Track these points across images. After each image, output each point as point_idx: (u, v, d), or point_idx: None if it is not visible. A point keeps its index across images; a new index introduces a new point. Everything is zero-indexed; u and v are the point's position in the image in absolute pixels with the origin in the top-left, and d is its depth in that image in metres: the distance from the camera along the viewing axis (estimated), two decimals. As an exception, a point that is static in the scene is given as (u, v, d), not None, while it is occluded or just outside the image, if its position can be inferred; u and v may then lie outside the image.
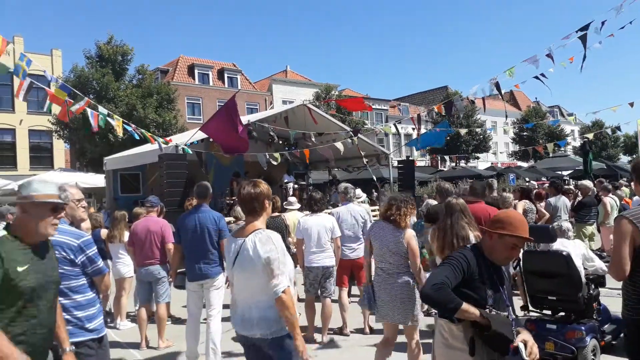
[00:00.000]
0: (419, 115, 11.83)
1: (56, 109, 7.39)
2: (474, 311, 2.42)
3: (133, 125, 9.09)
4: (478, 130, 37.70)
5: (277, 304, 2.78)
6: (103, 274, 3.04)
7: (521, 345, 2.37)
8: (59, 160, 31.47)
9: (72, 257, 2.90)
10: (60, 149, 31.46)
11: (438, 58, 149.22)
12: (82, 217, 3.15)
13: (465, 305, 2.39)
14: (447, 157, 13.92)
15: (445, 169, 30.18)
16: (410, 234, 4.28)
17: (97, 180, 16.87)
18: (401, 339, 4.54)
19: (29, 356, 2.23)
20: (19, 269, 2.27)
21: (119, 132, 8.88)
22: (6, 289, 2.23)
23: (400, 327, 4.33)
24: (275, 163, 12.80)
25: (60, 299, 2.86)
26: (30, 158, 30.33)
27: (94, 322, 2.97)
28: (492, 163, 43.59)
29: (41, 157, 30.87)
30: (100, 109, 8.43)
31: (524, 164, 39.36)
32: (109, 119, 8.54)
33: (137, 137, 9.49)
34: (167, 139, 11.57)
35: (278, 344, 2.85)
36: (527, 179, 23.51)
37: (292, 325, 2.79)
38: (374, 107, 45.76)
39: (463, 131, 13.16)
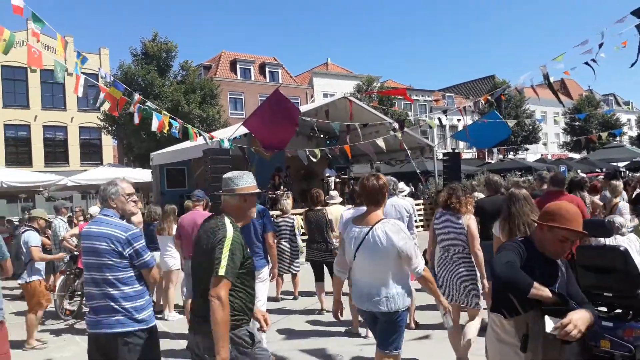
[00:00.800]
0: (465, 107, 11.46)
1: (106, 104, 7.54)
2: (546, 291, 2.32)
3: (180, 121, 9.25)
4: (527, 121, 36.46)
5: (420, 280, 3.31)
6: (149, 267, 3.09)
7: (548, 321, 2.27)
8: (107, 156, 32.66)
9: (120, 249, 2.97)
10: (109, 145, 32.63)
11: (484, 46, 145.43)
12: (132, 211, 3.20)
13: (536, 284, 2.30)
14: (494, 149, 13.42)
15: (492, 161, 29.37)
16: (469, 217, 4.50)
17: (144, 175, 17.34)
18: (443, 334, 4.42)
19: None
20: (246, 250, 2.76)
21: (165, 129, 9.05)
22: (246, 268, 2.73)
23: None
24: (314, 160, 12.77)
25: (109, 289, 2.95)
26: (80, 154, 31.60)
27: (142, 313, 3.01)
28: (542, 155, 42.12)
29: (91, 153, 32.11)
30: (149, 104, 8.62)
31: (576, 156, 37.82)
32: (156, 114, 8.72)
33: (177, 136, 9.65)
34: (211, 134, 11.73)
35: (395, 318, 3.30)
36: (579, 171, 22.57)
37: (436, 293, 3.36)
38: (417, 97, 45.09)
39: (511, 123, 12.60)
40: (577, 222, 2.44)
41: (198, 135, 10.13)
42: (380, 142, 13.30)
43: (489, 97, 11.91)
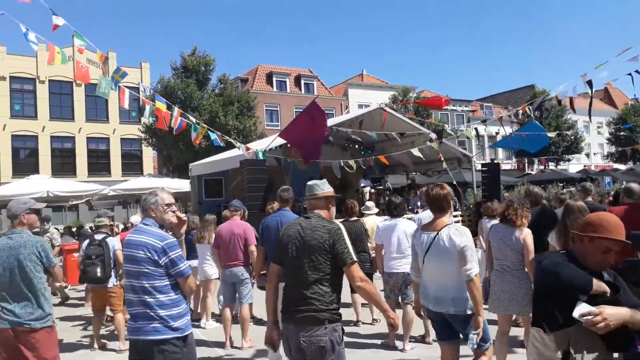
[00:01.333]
0: (505, 116, 11.23)
1: (149, 118, 7.84)
2: (604, 285, 2.29)
3: (218, 133, 9.50)
4: (568, 132, 35.33)
5: (467, 284, 3.43)
6: (185, 275, 3.11)
7: (582, 306, 2.16)
8: (147, 166, 33.58)
9: (156, 257, 3.03)
10: (149, 156, 33.55)
11: (523, 56, 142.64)
12: (171, 221, 3.25)
13: (594, 279, 2.28)
14: (535, 160, 13.02)
15: (533, 172, 28.57)
16: (526, 232, 4.59)
17: (182, 185, 17.71)
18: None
19: None
20: None
21: (197, 141, 9.31)
22: None
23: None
24: (350, 171, 12.75)
25: (145, 297, 3.01)
26: (122, 165, 32.62)
27: (178, 321, 3.05)
28: (584, 166, 40.70)
29: (132, 163, 33.09)
30: (190, 117, 8.91)
31: (622, 167, 36.38)
32: (194, 126, 8.97)
33: (221, 144, 9.86)
34: (247, 146, 11.90)
35: (466, 320, 3.50)
36: (625, 183, 21.70)
37: (478, 303, 3.43)
38: (454, 107, 44.48)
39: (551, 134, 12.26)
40: (618, 232, 2.35)
41: (238, 145, 10.36)
42: (415, 151, 13.18)
43: (528, 108, 11.64)
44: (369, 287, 3.07)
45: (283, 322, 3.14)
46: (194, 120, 9.17)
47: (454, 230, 3.53)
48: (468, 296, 3.47)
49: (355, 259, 3.03)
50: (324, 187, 3.37)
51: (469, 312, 3.50)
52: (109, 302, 6.16)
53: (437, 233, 3.57)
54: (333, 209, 3.41)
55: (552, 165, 34.46)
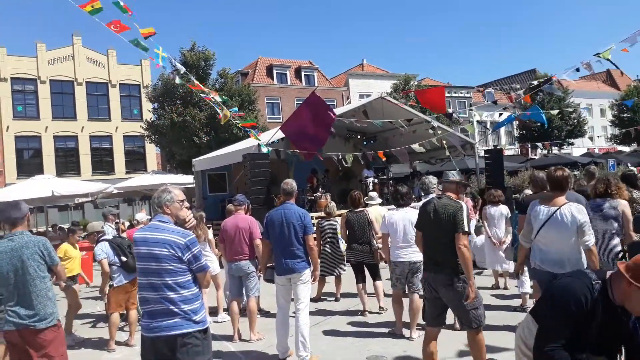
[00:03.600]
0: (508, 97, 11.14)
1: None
2: None
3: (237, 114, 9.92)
4: (572, 114, 35.08)
5: (587, 253, 4.09)
6: (205, 270, 3.22)
7: None
8: (151, 163, 33.65)
9: (180, 254, 3.07)
10: (152, 153, 33.60)
11: (524, 40, 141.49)
12: (185, 217, 3.28)
13: None
14: (538, 144, 12.92)
15: (536, 157, 28.47)
16: (625, 203, 4.94)
17: (186, 180, 17.78)
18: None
19: None
20: None
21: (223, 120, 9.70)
22: None
23: None
24: (347, 165, 12.71)
25: (169, 293, 3.04)
26: (125, 162, 32.69)
27: (199, 315, 3.12)
28: (588, 149, 40.53)
29: (135, 161, 33.17)
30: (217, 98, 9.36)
31: (626, 149, 36.22)
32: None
33: (254, 133, 10.25)
34: (251, 135, 11.90)
35: None
36: (629, 165, 21.62)
37: (595, 265, 4.05)
38: (456, 94, 44.25)
39: (554, 112, 12.16)
40: None
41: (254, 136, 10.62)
42: (416, 147, 13.12)
43: (530, 94, 11.57)
44: (467, 254, 3.95)
45: (425, 270, 4.32)
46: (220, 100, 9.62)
47: (575, 207, 4.15)
48: (580, 259, 4.13)
49: (467, 230, 4.00)
50: (455, 176, 4.37)
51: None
52: (133, 295, 6.19)
53: (558, 208, 4.18)
54: (462, 194, 4.44)
55: (555, 150, 34.33)
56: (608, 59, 8.64)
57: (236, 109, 10.37)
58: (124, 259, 6.11)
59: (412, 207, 6.00)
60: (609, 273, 2.39)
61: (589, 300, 2.29)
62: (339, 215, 8.06)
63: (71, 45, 31.33)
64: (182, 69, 9.12)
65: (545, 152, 28.39)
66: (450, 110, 12.48)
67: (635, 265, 2.24)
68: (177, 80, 9.73)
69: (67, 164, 31.12)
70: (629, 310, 2.29)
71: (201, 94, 9.32)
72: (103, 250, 6.18)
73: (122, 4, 6.67)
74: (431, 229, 4.18)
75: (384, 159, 13.69)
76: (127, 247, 6.14)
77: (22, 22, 72.16)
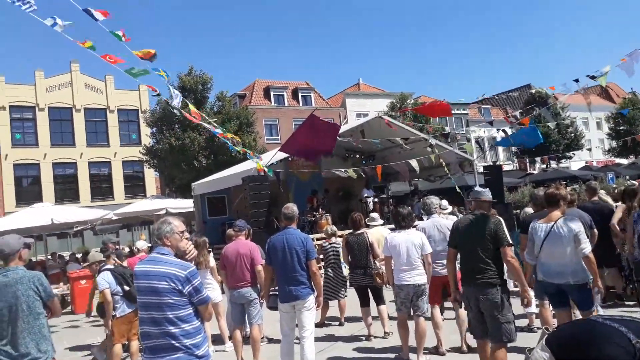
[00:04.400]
0: (507, 114, 11.22)
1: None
2: None
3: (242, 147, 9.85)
4: (569, 128, 35.18)
5: (584, 260, 4.41)
6: (207, 302, 3.14)
7: None
8: (150, 188, 33.59)
9: (180, 287, 3.01)
10: (151, 178, 33.57)
11: (518, 56, 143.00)
12: (185, 248, 3.24)
13: None
14: (537, 159, 12.87)
15: (535, 172, 28.45)
16: None
17: (185, 204, 17.70)
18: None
19: None
20: None
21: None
22: None
23: None
24: (353, 176, 12.75)
25: (170, 327, 2.97)
26: (125, 187, 32.62)
27: (202, 349, 3.06)
28: (586, 162, 40.59)
29: (134, 186, 33.12)
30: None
31: (624, 161, 36.27)
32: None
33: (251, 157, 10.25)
34: (253, 155, 11.90)
35: (581, 288, 4.51)
36: (628, 177, 21.61)
37: (595, 274, 4.44)
38: (453, 111, 44.49)
39: (551, 124, 12.16)
40: None
41: (252, 158, 10.64)
42: (413, 162, 13.13)
43: (528, 111, 11.63)
44: (516, 264, 4.23)
45: (463, 285, 4.53)
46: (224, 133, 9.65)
47: (569, 219, 4.52)
48: (583, 269, 4.46)
49: (510, 243, 4.27)
50: (487, 195, 4.63)
51: (584, 281, 4.49)
52: (135, 326, 6.09)
53: (554, 223, 4.55)
54: (492, 210, 4.85)
55: (553, 164, 34.39)
56: (602, 86, 8.71)
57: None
58: (126, 288, 6.03)
59: (415, 227, 5.95)
60: None
61: None
62: (341, 237, 7.99)
63: (69, 72, 31.56)
64: (179, 96, 9.09)
65: (543, 166, 28.41)
66: (448, 129, 12.52)
67: None
68: (175, 102, 9.58)
69: (66, 190, 31.06)
70: None
71: (203, 123, 9.28)
72: (105, 280, 6.09)
73: (120, 32, 6.68)
74: (467, 244, 4.44)
75: (379, 176, 13.70)
76: (129, 277, 6.06)
77: (21, 50, 72.85)
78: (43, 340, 3.61)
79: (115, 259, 6.86)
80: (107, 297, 6.02)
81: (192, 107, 8.73)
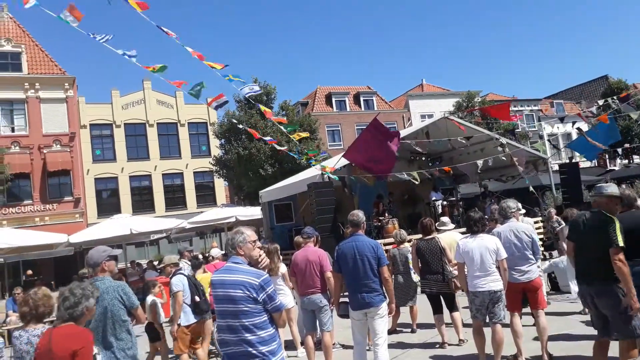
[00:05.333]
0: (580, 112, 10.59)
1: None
2: None
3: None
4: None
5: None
6: (281, 310, 3.18)
7: None
8: (220, 197, 34.69)
9: (255, 295, 3.07)
10: (221, 187, 34.68)
11: (593, 46, 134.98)
12: (260, 259, 3.31)
13: None
14: (619, 150, 11.93)
15: (616, 168, 26.60)
16: None
17: (254, 212, 18.14)
18: None
19: None
20: None
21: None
22: None
23: None
24: (416, 182, 12.50)
25: (246, 335, 3.04)
26: (196, 197, 33.90)
27: (277, 356, 3.10)
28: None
29: (205, 195, 34.30)
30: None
31: None
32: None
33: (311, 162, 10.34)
34: (324, 167, 11.94)
35: None
36: None
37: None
38: (523, 108, 42.68)
39: (635, 115, 11.25)
40: None
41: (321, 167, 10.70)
42: (480, 162, 12.69)
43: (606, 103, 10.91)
44: (623, 268, 4.03)
45: (579, 284, 4.51)
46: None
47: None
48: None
49: (621, 244, 4.05)
50: (608, 189, 4.44)
51: None
52: (198, 336, 6.25)
53: None
54: (617, 207, 4.48)
55: (637, 159, 31.96)
56: None
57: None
58: (197, 299, 6.11)
59: (489, 232, 5.72)
60: None
61: None
62: (409, 242, 7.84)
63: (142, 90, 33.35)
64: (255, 87, 9.23)
65: (625, 162, 26.46)
66: (503, 140, 12.03)
67: None
68: (252, 90, 9.51)
69: (142, 201, 32.72)
70: None
71: (279, 125, 9.55)
72: (181, 282, 6.15)
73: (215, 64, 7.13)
74: (582, 241, 4.40)
75: (449, 172, 13.34)
76: (201, 288, 6.21)
77: (99, 71, 78.05)
78: (122, 351, 3.78)
79: (187, 262, 7.04)
80: (179, 299, 6.02)
81: (263, 108, 8.97)
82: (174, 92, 33.88)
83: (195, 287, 6.21)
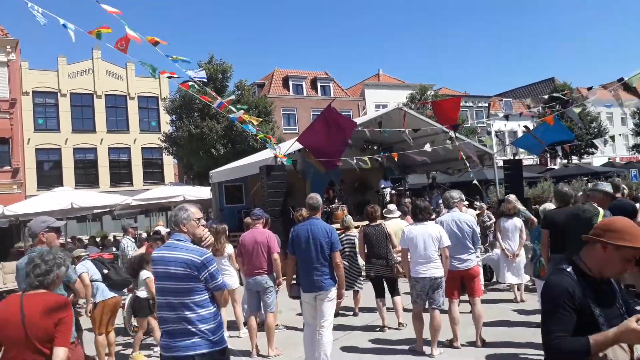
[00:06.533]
0: (529, 107, 11.02)
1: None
2: (606, 336, 2.06)
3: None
4: (592, 123, 34.44)
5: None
6: (223, 289, 3.15)
7: None
8: (168, 175, 33.88)
9: (196, 273, 3.03)
10: (169, 164, 33.84)
11: (541, 49, 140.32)
12: (201, 234, 3.25)
13: (592, 338, 2.05)
14: (558, 149, 12.45)
15: (556, 167, 27.98)
16: None
17: (203, 192, 17.84)
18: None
19: None
20: None
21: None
22: None
23: None
24: (365, 166, 12.70)
25: (186, 312, 3.01)
26: (143, 174, 32.95)
27: (217, 335, 3.09)
28: (609, 158, 39.76)
29: (153, 172, 33.40)
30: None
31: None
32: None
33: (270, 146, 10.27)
34: (276, 153, 11.86)
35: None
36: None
37: None
38: (473, 104, 43.95)
39: (576, 110, 11.86)
40: None
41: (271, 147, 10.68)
42: (427, 147, 12.97)
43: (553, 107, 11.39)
44: None
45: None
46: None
47: None
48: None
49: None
50: (605, 187, 4.94)
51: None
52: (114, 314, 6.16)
53: None
54: (608, 203, 4.86)
55: (575, 159, 33.76)
56: (634, 87, 8.39)
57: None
58: (105, 271, 5.95)
59: (432, 220, 5.91)
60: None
61: (572, 285, 2.21)
62: (357, 228, 7.98)
63: (91, 59, 31.88)
64: (204, 78, 9.00)
65: (564, 161, 27.87)
66: (452, 134, 12.39)
67: (603, 226, 2.29)
68: (198, 75, 9.29)
69: (86, 175, 31.49)
70: (609, 276, 2.29)
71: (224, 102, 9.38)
72: (84, 265, 5.99)
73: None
74: (570, 231, 4.64)
75: (395, 158, 13.65)
76: (109, 263, 6.07)
77: (44, 35, 73.89)
78: None
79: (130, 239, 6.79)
80: (85, 280, 5.75)
81: (211, 92, 8.82)
82: (125, 64, 32.60)
83: (102, 263, 6.02)
